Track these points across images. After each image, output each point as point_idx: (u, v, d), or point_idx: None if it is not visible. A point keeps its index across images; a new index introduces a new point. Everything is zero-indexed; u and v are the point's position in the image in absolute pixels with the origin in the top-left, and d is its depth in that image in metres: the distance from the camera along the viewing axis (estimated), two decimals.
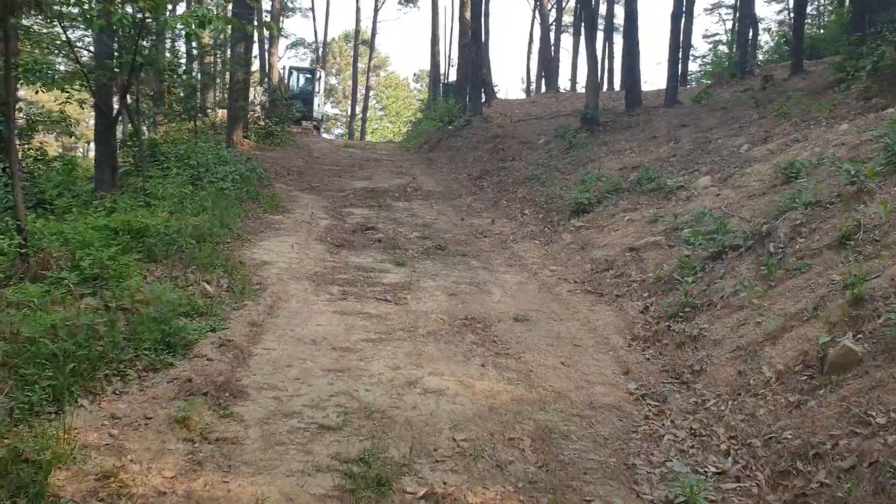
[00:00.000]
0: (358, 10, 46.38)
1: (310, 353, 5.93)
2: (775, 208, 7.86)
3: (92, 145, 14.81)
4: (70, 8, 9.43)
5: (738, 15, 30.15)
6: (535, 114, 24.33)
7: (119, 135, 19.41)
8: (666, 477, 4.41)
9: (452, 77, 35.17)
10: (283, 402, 4.92)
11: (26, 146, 13.96)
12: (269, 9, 31.89)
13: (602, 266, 9.10)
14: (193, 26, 7.34)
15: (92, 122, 15.88)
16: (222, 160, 13.76)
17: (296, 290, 7.77)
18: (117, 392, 4.77)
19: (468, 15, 25.84)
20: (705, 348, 6.09)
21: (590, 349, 6.61)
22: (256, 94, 27.54)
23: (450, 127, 23.63)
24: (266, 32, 24.28)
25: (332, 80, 61.16)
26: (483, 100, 26.08)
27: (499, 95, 34.16)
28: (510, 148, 18.36)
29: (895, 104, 10.88)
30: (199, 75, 23.96)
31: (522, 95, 42.88)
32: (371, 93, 57.66)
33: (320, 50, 48.93)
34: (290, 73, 31.69)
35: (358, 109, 49.66)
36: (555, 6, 42.42)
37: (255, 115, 22.38)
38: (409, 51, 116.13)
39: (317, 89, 31.64)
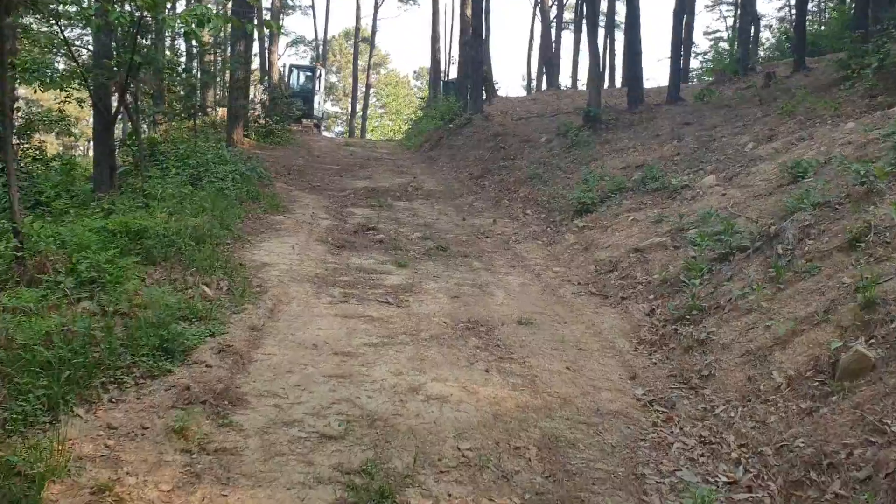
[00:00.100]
0: (358, 7, 46.32)
1: (311, 358, 5.82)
2: (783, 209, 7.75)
3: (93, 143, 14.69)
4: (67, 7, 9.32)
5: (739, 12, 30.05)
6: (537, 111, 24.21)
7: (119, 133, 19.36)
8: (676, 487, 4.31)
9: (453, 74, 35.00)
10: (284, 410, 4.81)
11: (25, 146, 13.88)
12: (270, 6, 31.73)
13: (606, 267, 8.98)
14: (193, 25, 7.24)
15: (92, 119, 15.74)
16: (222, 159, 13.65)
17: (297, 292, 7.67)
18: (114, 400, 4.66)
19: (469, 12, 25.71)
20: (713, 352, 5.98)
21: (595, 353, 6.50)
22: (256, 92, 27.47)
23: (450, 125, 23.51)
24: (266, 30, 24.15)
25: (333, 78, 61.04)
26: (484, 97, 25.95)
27: (499, 93, 34.02)
28: (511, 146, 18.24)
29: None
30: (198, 74, 23.86)
31: (523, 93, 42.78)
32: (371, 90, 57.51)
33: (320, 48, 48.81)
34: (291, 71, 31.58)
35: (358, 107, 49.54)
36: (555, 3, 42.29)
37: (256, 113, 22.28)
38: (409, 48, 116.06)
39: (317, 87, 31.53)
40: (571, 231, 11.04)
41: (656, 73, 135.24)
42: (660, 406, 5.42)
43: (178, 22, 7.80)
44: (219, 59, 25.95)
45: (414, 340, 6.44)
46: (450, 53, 42.20)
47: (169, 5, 12.77)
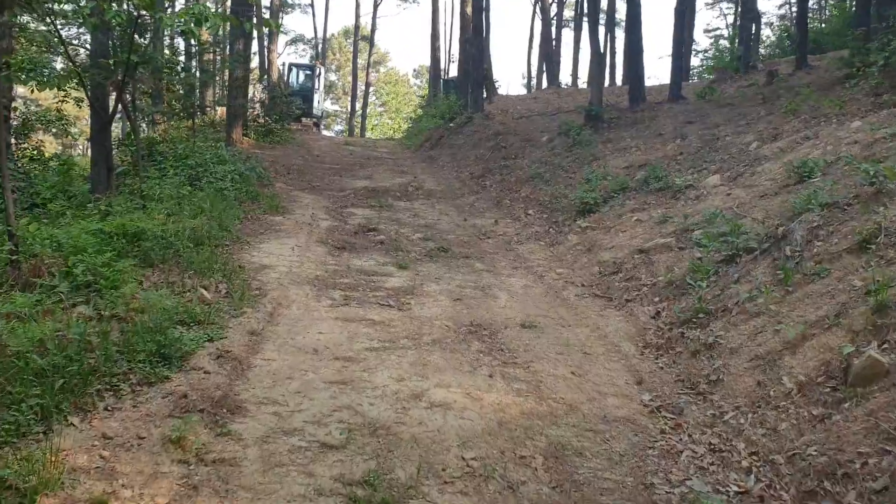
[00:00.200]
0: (357, 5, 46.16)
1: (311, 363, 5.70)
2: (790, 209, 7.62)
3: (90, 144, 14.54)
4: (62, 5, 9.20)
5: (740, 10, 29.92)
6: (538, 110, 24.09)
7: (118, 133, 19.25)
8: (686, 497, 4.19)
9: (453, 73, 34.87)
10: (284, 419, 4.70)
11: (23, 145, 13.77)
12: (269, 5, 31.60)
13: (610, 269, 8.86)
14: (191, 24, 7.15)
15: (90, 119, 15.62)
16: (221, 159, 13.53)
17: (296, 295, 7.55)
18: (109, 409, 4.55)
19: (469, 9, 25.59)
20: (721, 357, 5.86)
21: (600, 357, 6.38)
22: (256, 91, 27.35)
23: (451, 124, 23.39)
24: (265, 29, 24.03)
25: (332, 77, 60.91)
26: (484, 96, 25.82)
27: (500, 91, 33.93)
28: (512, 145, 18.11)
29: None
30: (197, 73, 23.72)
31: (524, 91, 42.70)
32: (371, 89, 57.38)
33: (320, 46, 48.63)
34: (290, 70, 31.44)
35: (358, 106, 49.39)
36: (555, 0, 42.14)
37: (255, 112, 22.14)
38: (408, 46, 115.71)
39: (316, 86, 31.40)
40: (574, 232, 10.93)
41: (656, 71, 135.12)
42: (667, 412, 5.31)
43: (176, 20, 7.70)
44: (218, 57, 25.82)
45: (416, 345, 6.33)
46: (450, 51, 42.15)
47: (167, 4, 12.66)
